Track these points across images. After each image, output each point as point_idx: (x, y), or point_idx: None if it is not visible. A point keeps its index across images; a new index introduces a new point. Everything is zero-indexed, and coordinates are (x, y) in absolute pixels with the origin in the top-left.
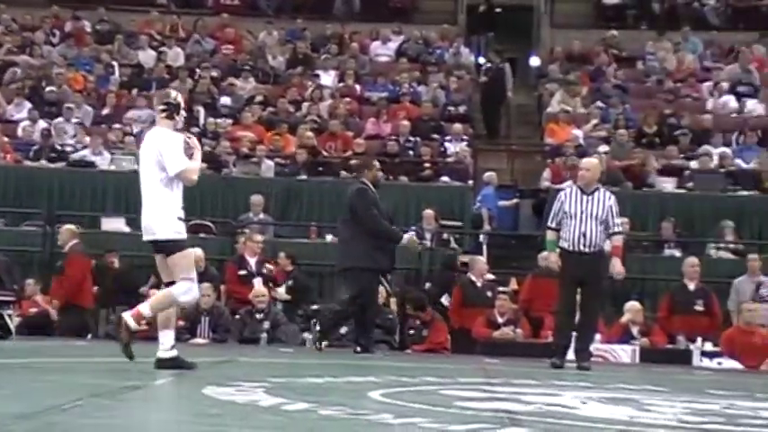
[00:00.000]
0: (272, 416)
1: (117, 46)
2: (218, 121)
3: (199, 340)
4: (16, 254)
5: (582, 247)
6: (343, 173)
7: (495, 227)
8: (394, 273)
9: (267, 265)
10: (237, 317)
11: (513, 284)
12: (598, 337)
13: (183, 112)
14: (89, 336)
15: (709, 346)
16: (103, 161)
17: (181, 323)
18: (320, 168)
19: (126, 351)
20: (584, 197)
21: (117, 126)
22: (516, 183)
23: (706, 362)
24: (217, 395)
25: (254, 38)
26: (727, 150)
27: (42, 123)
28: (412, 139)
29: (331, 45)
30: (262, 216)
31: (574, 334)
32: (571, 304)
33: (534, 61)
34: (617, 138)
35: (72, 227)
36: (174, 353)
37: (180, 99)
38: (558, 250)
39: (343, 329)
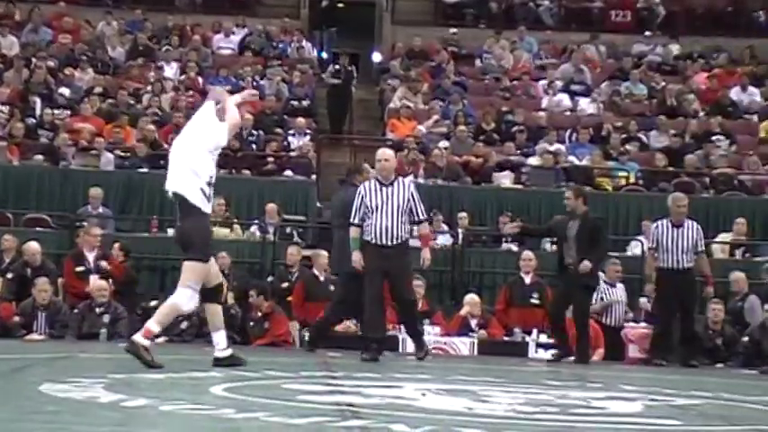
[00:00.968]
0: (111, 412)
1: None
2: (56, 112)
3: (35, 336)
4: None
5: (385, 240)
6: None
7: None
8: (237, 266)
9: (102, 263)
10: (76, 311)
11: None
12: (437, 329)
13: None
14: None
15: (544, 338)
16: None
17: (16, 319)
18: (161, 161)
19: (153, 365)
20: (384, 189)
21: None
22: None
23: (541, 353)
24: (54, 392)
25: (92, 28)
26: (561, 147)
27: None
28: (255, 132)
29: (173, 37)
30: (101, 210)
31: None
32: (379, 298)
33: (376, 57)
34: (457, 134)
35: None
36: (229, 351)
37: None
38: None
39: (184, 324)
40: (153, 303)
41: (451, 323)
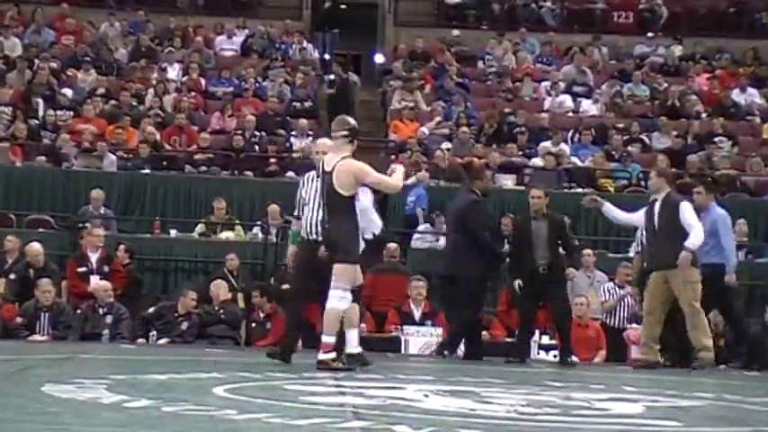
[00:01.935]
0: (114, 413)
1: None
2: (59, 113)
3: (38, 337)
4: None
5: (317, 235)
6: (188, 167)
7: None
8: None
9: (104, 267)
10: (79, 312)
11: None
12: (440, 331)
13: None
14: None
15: (546, 340)
16: None
17: (19, 320)
18: (164, 162)
19: (363, 360)
20: (319, 180)
21: None
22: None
23: (543, 355)
24: (56, 393)
25: (95, 29)
26: (564, 148)
27: None
28: (257, 134)
29: (175, 38)
30: (102, 210)
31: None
32: (302, 295)
33: (378, 58)
34: (459, 135)
35: None
36: (359, 349)
37: (355, 124)
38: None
39: (184, 325)
40: (150, 310)
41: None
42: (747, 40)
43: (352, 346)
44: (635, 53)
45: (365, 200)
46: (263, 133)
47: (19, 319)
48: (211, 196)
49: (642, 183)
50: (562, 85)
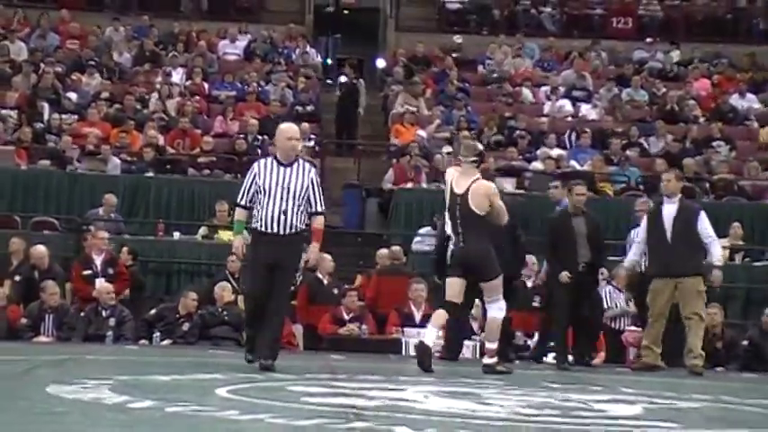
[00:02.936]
0: (118, 414)
1: None
2: (63, 116)
3: (43, 338)
4: None
5: (279, 229)
6: (191, 170)
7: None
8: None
9: (109, 269)
10: (83, 314)
11: (358, 282)
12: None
13: None
14: None
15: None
16: None
17: (24, 321)
18: (167, 166)
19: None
20: (282, 169)
21: None
22: (362, 182)
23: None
24: (60, 393)
25: (99, 33)
26: (563, 152)
27: None
28: (260, 137)
29: (179, 43)
30: (112, 215)
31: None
32: (262, 294)
33: (380, 63)
34: (459, 139)
35: None
36: (495, 359)
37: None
38: (245, 233)
39: (185, 326)
40: (152, 312)
41: None
42: (745, 46)
43: (490, 357)
44: (634, 58)
45: None
46: (266, 137)
47: (24, 321)
48: (214, 199)
49: (641, 186)
50: (561, 89)
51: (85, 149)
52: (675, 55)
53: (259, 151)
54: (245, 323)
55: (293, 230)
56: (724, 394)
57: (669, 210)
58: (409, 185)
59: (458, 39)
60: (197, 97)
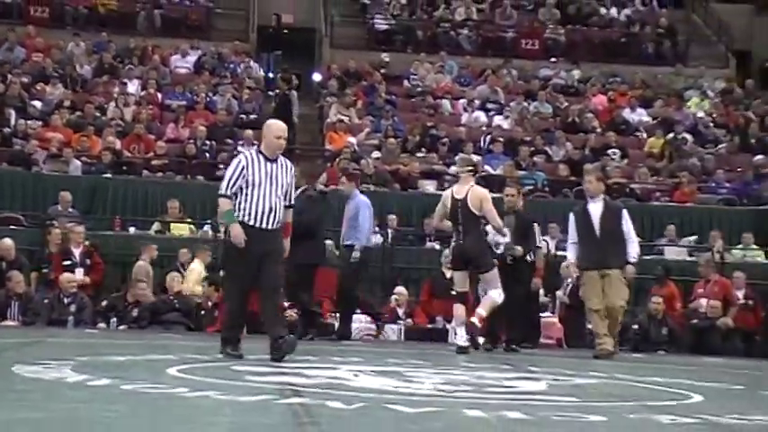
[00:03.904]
0: (77, 391)
1: None
2: (29, 122)
3: (9, 323)
4: None
5: (268, 223)
6: (146, 172)
7: None
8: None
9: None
10: (46, 301)
11: None
12: (369, 318)
13: None
14: None
15: None
16: None
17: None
18: (124, 168)
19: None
20: (268, 164)
21: None
22: (300, 184)
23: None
24: (25, 373)
25: (62, 48)
26: (478, 158)
27: None
28: (208, 142)
29: (134, 57)
30: (70, 210)
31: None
32: (249, 288)
33: (316, 77)
34: (387, 145)
35: None
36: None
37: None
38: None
39: (135, 312)
40: (104, 304)
41: (381, 312)
42: (636, 66)
43: (463, 340)
44: (540, 76)
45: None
46: (213, 142)
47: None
48: (166, 198)
49: (546, 188)
50: (477, 102)
51: (49, 152)
52: (576, 73)
53: (207, 155)
54: (227, 325)
55: (279, 224)
56: (617, 372)
57: (595, 208)
58: (341, 186)
59: (385, 56)
60: (151, 106)
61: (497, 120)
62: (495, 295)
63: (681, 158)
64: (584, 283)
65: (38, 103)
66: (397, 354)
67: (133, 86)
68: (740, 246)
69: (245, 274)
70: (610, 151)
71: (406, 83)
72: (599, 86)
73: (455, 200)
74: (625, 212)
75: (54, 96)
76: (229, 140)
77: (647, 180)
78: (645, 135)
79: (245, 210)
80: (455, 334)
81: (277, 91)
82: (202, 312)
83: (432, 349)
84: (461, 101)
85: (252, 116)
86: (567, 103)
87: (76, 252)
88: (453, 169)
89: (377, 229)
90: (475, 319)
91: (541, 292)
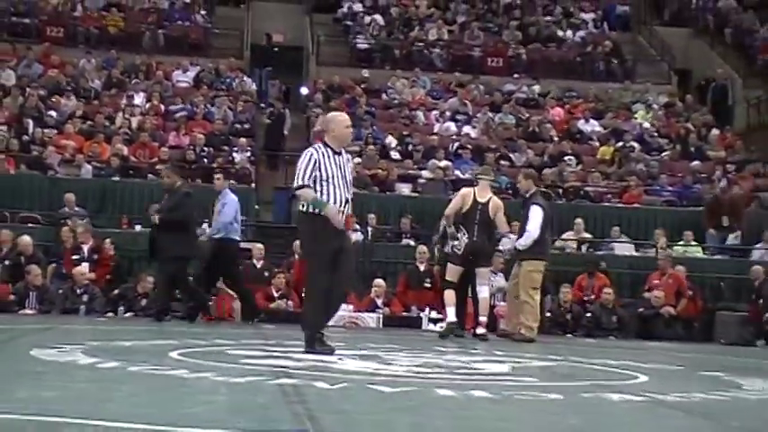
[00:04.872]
0: (88, 372)
1: None
2: (45, 131)
3: (28, 311)
4: None
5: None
6: (150, 175)
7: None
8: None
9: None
10: (60, 291)
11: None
12: (351, 307)
13: None
14: None
15: (434, 314)
16: None
17: (12, 297)
18: (131, 172)
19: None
20: (337, 157)
21: None
22: (289, 186)
23: (432, 326)
24: (41, 356)
25: (75, 64)
26: (449, 164)
27: None
28: (206, 149)
29: (140, 72)
30: (76, 209)
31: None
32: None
33: (304, 90)
34: (367, 152)
35: None
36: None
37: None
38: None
39: (143, 302)
40: (115, 292)
41: (362, 302)
42: (589, 82)
43: (453, 315)
44: (504, 90)
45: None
46: (211, 149)
47: (11, 297)
48: None
49: (509, 191)
50: (448, 113)
51: (63, 158)
52: (536, 88)
53: (205, 160)
54: (318, 321)
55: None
56: (572, 355)
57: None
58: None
59: (366, 72)
60: (155, 116)
61: (466, 129)
62: (485, 293)
63: (629, 164)
64: (516, 274)
65: (53, 114)
66: (376, 339)
67: (139, 99)
68: (681, 242)
69: (327, 267)
70: (566, 158)
71: (384, 96)
72: (556, 100)
73: (476, 202)
74: (534, 207)
75: (68, 107)
76: (225, 147)
77: (599, 183)
78: (597, 143)
79: (331, 200)
80: (428, 321)
81: (272, 109)
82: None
83: (407, 335)
84: (434, 112)
85: (245, 125)
86: (528, 115)
87: (85, 248)
88: (469, 174)
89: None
90: (482, 330)
91: (503, 283)
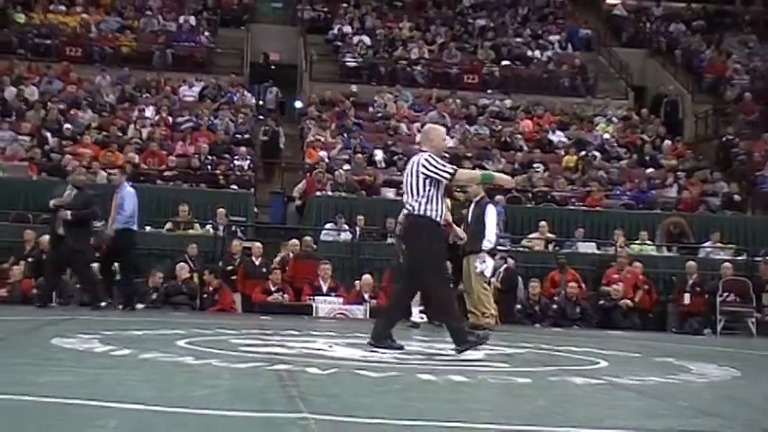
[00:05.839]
0: (104, 359)
1: None
2: (64, 141)
3: (50, 304)
4: None
5: (442, 221)
6: (159, 181)
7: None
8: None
9: None
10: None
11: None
12: (341, 300)
13: None
14: None
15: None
16: None
17: (34, 291)
18: (141, 178)
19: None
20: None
21: None
22: (285, 190)
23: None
24: (61, 344)
25: (92, 80)
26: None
27: None
28: (210, 157)
29: (150, 88)
30: None
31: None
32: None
33: (298, 104)
34: (355, 159)
35: None
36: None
37: None
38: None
39: (154, 295)
40: (137, 281)
41: (351, 295)
42: (555, 97)
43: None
44: (479, 104)
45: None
46: (214, 157)
47: (34, 291)
48: (176, 202)
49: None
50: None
51: (80, 165)
52: (508, 102)
53: (209, 167)
54: (458, 315)
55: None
56: (541, 343)
57: (472, 205)
58: (318, 193)
59: (354, 88)
60: (163, 127)
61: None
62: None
63: (591, 171)
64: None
65: (71, 126)
66: (363, 329)
67: (149, 111)
68: (638, 241)
69: (445, 270)
70: (535, 165)
71: (371, 109)
72: (526, 113)
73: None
74: (490, 207)
75: (85, 120)
76: (227, 155)
77: (565, 188)
78: (563, 152)
79: (434, 210)
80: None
81: (267, 128)
82: (204, 296)
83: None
84: (416, 124)
85: (245, 136)
86: (500, 126)
87: None
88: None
89: (346, 227)
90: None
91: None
